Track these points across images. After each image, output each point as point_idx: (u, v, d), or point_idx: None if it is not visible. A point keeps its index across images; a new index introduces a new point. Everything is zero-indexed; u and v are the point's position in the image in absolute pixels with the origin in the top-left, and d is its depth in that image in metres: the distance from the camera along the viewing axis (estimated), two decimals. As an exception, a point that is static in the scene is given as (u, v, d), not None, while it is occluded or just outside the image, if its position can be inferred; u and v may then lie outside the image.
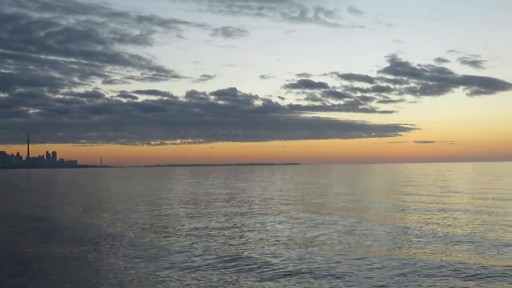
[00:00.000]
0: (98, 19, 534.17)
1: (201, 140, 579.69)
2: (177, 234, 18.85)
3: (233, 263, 13.38)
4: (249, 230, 19.52)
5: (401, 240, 16.77)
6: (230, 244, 16.32)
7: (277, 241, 16.89)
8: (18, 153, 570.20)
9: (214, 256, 14.35)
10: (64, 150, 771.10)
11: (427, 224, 20.59)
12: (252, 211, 26.82)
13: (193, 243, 16.60)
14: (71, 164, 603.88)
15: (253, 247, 15.70)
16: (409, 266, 12.69)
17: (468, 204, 29.34)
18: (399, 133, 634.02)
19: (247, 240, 17.20)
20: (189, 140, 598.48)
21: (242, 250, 15.20)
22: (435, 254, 14.28)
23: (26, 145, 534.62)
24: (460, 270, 12.22)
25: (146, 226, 21.33)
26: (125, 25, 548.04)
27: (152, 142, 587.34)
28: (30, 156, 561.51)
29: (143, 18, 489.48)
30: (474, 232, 18.13)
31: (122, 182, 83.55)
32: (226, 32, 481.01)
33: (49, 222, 23.69)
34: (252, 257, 14.18)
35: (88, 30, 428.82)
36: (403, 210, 26.48)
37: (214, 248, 15.62)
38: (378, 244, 15.96)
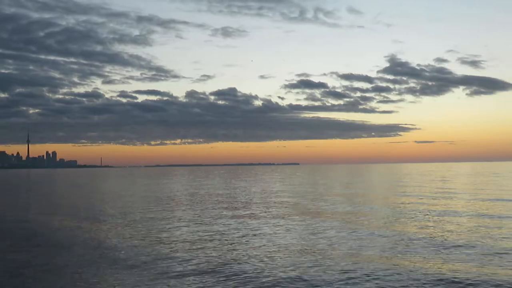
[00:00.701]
0: (97, 19, 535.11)
1: (201, 140, 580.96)
2: (165, 239, 18.49)
3: (218, 273, 12.96)
4: (240, 236, 19.14)
5: (399, 246, 16.36)
6: (218, 251, 15.93)
7: (269, 248, 16.50)
8: (18, 153, 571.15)
9: (200, 265, 13.94)
10: (64, 150, 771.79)
11: (426, 228, 20.18)
12: (246, 215, 26.48)
13: (179, 249, 16.22)
14: (71, 164, 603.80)
15: (243, 255, 15.32)
16: (407, 275, 12.33)
17: (469, 207, 28.95)
18: (399, 133, 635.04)
19: (237, 246, 16.82)
20: (189, 140, 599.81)
21: (230, 258, 14.83)
22: (433, 262, 13.92)
23: (26, 145, 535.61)
24: (459, 279, 11.89)
25: (134, 230, 20.95)
26: (125, 25, 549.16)
27: (152, 142, 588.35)
28: (30, 156, 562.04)
29: (143, 18, 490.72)
30: (474, 238, 17.74)
31: (120, 182, 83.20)
32: (226, 32, 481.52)
33: (34, 224, 23.33)
34: (241, 265, 13.81)
35: (87, 30, 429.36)
36: (401, 213, 26.09)
37: (200, 255, 15.21)
38: (374, 251, 15.59)
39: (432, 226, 20.61)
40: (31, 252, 16.18)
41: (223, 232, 19.97)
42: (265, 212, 27.57)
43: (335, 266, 13.27)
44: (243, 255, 15.00)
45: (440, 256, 14.45)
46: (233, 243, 17.18)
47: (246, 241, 17.67)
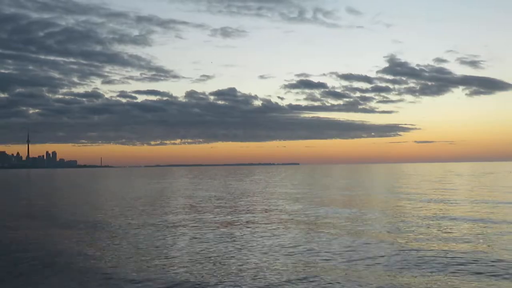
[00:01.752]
0: (97, 19, 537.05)
1: (201, 140, 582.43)
2: (152, 249, 17.91)
3: (205, 286, 12.43)
4: (232, 246, 18.53)
5: (396, 259, 15.77)
6: (209, 260, 15.39)
7: (260, 258, 15.89)
8: (18, 153, 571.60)
9: (187, 277, 13.39)
10: (64, 150, 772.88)
11: (425, 235, 19.60)
12: (241, 221, 25.91)
13: (167, 260, 15.67)
14: (71, 164, 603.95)
15: (234, 267, 14.76)
16: None
17: (469, 211, 28.33)
18: (399, 133, 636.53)
19: (228, 257, 16.26)
20: (189, 140, 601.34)
21: (221, 270, 14.26)
22: (432, 276, 13.34)
23: (26, 145, 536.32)
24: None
25: (122, 237, 20.36)
26: (124, 25, 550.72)
27: (152, 142, 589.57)
28: (30, 156, 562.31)
29: (142, 19, 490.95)
30: (477, 247, 17.14)
31: (119, 183, 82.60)
32: (225, 32, 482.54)
33: (17, 230, 22.79)
34: (230, 279, 13.25)
35: (87, 30, 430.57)
36: (400, 219, 25.46)
37: (188, 266, 14.63)
38: (369, 265, 14.98)
39: (431, 233, 19.98)
40: None
41: (215, 239, 19.34)
42: (261, 217, 26.97)
43: (326, 282, 12.70)
44: (234, 267, 14.41)
45: (439, 270, 13.85)
46: (226, 253, 16.57)
47: (237, 251, 17.05)
